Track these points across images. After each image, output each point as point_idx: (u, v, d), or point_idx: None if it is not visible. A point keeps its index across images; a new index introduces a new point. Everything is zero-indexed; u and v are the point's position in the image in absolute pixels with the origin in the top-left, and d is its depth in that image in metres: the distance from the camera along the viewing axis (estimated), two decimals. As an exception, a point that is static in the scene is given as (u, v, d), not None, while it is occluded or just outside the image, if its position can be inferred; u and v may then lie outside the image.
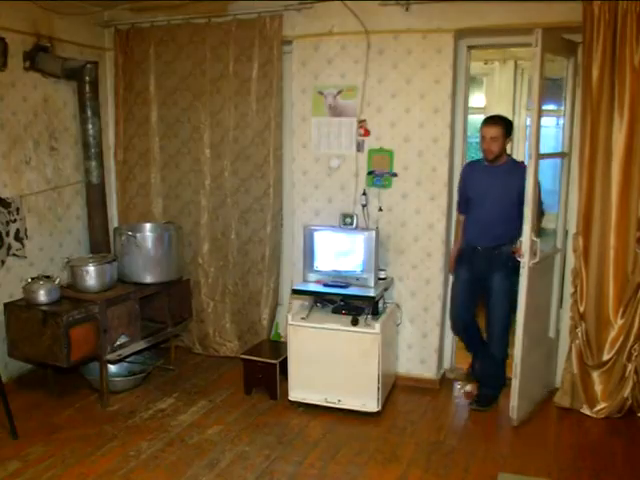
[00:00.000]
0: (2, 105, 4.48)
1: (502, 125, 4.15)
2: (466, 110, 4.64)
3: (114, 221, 5.47)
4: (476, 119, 5.26)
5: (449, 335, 4.89)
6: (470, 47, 4.52)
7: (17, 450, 3.79)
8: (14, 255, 4.60)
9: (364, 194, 4.63)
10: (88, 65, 4.77)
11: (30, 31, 4.64)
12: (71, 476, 3.50)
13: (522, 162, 4.18)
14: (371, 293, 4.25)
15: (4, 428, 3.96)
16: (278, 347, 4.80)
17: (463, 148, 4.66)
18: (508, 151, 4.38)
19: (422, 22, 4.34)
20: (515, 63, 6.45)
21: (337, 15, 4.53)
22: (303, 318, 4.33)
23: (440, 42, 4.34)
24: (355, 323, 4.18)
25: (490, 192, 4.22)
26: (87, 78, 4.79)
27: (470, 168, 4.44)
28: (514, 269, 4.02)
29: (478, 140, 4.32)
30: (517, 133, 5.70)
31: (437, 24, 4.31)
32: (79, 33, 5.09)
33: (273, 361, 4.51)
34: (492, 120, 4.21)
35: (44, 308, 4.23)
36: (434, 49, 4.36)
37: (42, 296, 4.28)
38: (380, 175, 4.58)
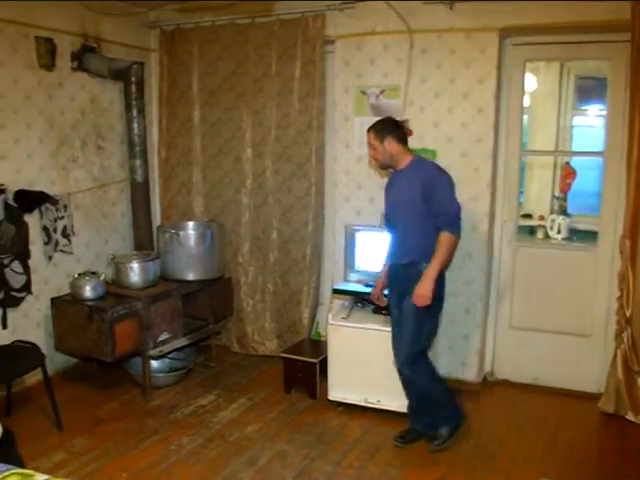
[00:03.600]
0: (51, 105, 4.59)
1: (371, 131, 3.70)
2: (521, 110, 4.62)
3: (157, 218, 5.54)
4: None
5: (490, 337, 4.83)
6: (515, 45, 4.46)
7: (62, 441, 3.88)
8: (61, 251, 4.70)
9: (406, 194, 4.60)
10: (134, 65, 4.85)
11: (78, 32, 4.74)
12: (114, 468, 3.56)
13: (430, 161, 3.83)
14: (412, 294, 4.21)
15: (50, 420, 4.06)
16: (318, 346, 4.81)
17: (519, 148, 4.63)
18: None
19: (466, 21, 4.30)
20: (561, 63, 6.35)
21: (380, 14, 4.52)
22: (344, 318, 4.33)
23: (484, 41, 4.30)
24: (393, 324, 4.15)
25: (396, 200, 3.78)
26: (133, 78, 4.86)
27: (389, 178, 3.97)
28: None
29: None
30: (563, 134, 5.60)
31: (481, 23, 4.27)
32: (125, 34, 5.17)
33: (313, 360, 4.52)
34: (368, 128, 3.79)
35: (90, 303, 4.32)
36: (478, 48, 4.32)
37: (88, 292, 4.38)
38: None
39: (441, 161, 4.46)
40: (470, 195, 4.46)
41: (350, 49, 4.67)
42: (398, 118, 4.51)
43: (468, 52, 4.34)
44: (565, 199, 5.09)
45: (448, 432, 3.83)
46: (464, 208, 4.41)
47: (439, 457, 3.73)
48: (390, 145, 3.65)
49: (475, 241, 4.51)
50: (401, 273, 3.75)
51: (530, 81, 4.99)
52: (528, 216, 5.34)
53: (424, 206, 3.58)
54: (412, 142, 4.54)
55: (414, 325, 3.68)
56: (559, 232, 4.77)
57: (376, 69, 4.62)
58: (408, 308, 3.66)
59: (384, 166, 3.84)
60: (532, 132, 5.66)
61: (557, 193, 5.30)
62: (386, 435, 3.99)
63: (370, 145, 3.73)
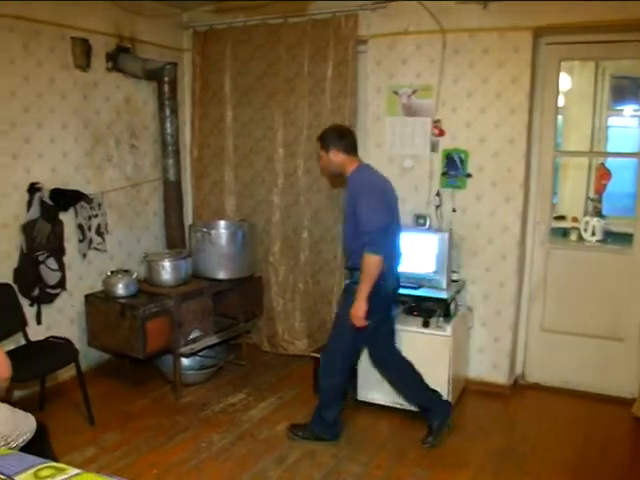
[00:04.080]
0: (86, 104, 4.65)
1: (318, 141, 3.73)
2: (555, 110, 4.57)
3: (189, 217, 5.59)
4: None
5: (522, 340, 4.78)
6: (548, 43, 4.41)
7: (94, 436, 3.93)
8: (95, 249, 4.76)
9: (438, 195, 4.58)
10: (168, 66, 4.90)
11: (113, 33, 4.80)
12: (145, 464, 3.59)
13: (365, 172, 3.69)
14: (443, 295, 4.20)
15: (82, 415, 4.12)
16: (347, 346, 4.80)
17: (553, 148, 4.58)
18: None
19: (499, 20, 4.26)
20: (596, 62, 6.25)
21: (412, 14, 4.49)
22: (373, 318, 4.32)
23: (518, 40, 4.25)
24: (426, 325, 4.15)
25: (343, 207, 3.79)
26: (167, 78, 4.91)
27: None
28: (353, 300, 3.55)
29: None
30: (598, 134, 5.52)
31: (515, 22, 4.22)
32: (159, 35, 5.23)
33: (342, 360, 4.51)
34: None
35: (122, 301, 4.37)
36: (512, 48, 4.27)
37: (120, 289, 4.44)
38: (454, 176, 4.53)
39: (473, 162, 4.46)
40: (503, 196, 4.42)
41: (382, 49, 4.66)
42: (429, 118, 4.52)
43: (501, 52, 4.29)
44: (600, 200, 5.01)
45: (313, 436, 3.88)
46: (496, 209, 4.43)
47: (468, 459, 3.71)
48: (335, 156, 3.65)
49: (507, 242, 4.46)
50: (346, 277, 3.76)
51: (564, 81, 4.92)
52: (561, 218, 5.26)
53: (356, 218, 3.54)
54: (444, 142, 4.54)
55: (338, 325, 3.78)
56: (593, 234, 4.70)
57: (408, 69, 4.60)
58: (340, 310, 3.81)
59: (334, 174, 3.87)
60: (566, 132, 5.58)
61: (591, 194, 5.22)
62: (414, 437, 3.97)
63: (319, 155, 3.80)
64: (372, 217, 3.45)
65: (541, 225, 4.64)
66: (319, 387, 3.95)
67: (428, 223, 4.50)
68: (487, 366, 4.68)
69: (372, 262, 3.45)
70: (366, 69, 4.77)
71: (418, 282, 4.33)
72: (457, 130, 4.51)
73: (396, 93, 4.65)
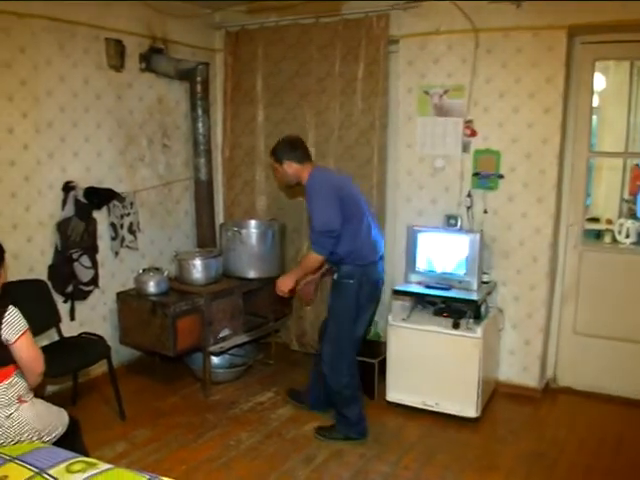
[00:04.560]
0: (120, 104, 4.72)
1: (271, 156, 3.90)
2: (590, 110, 4.51)
3: (220, 217, 5.63)
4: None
5: (553, 343, 4.73)
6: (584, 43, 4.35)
7: (125, 432, 3.99)
8: (127, 247, 4.82)
9: (469, 196, 4.55)
10: (200, 66, 4.93)
11: (146, 34, 4.85)
12: (174, 461, 3.63)
13: (317, 174, 3.80)
14: (474, 296, 4.16)
15: (113, 410, 4.18)
16: (377, 347, 4.80)
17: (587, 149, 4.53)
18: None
19: (533, 19, 4.21)
20: (631, 62, 6.13)
21: (444, 14, 4.47)
22: (404, 319, 4.31)
23: (552, 40, 4.19)
24: (456, 326, 4.12)
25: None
26: (199, 78, 4.95)
27: None
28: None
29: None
30: (633, 134, 5.42)
31: (549, 21, 4.16)
32: (191, 35, 5.27)
33: (372, 360, 4.51)
34: None
35: (153, 298, 4.42)
36: (545, 47, 4.22)
37: (152, 287, 4.49)
38: (486, 177, 4.49)
39: (505, 162, 4.41)
40: (535, 197, 4.37)
41: (414, 49, 4.64)
42: (461, 119, 4.49)
43: (535, 51, 4.25)
44: (634, 202, 4.93)
45: (341, 436, 3.91)
46: (528, 211, 4.38)
47: (498, 462, 3.68)
48: (289, 167, 3.80)
49: (539, 244, 4.41)
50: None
51: (599, 81, 4.84)
52: (595, 220, 5.18)
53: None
54: (476, 143, 4.51)
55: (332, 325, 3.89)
56: (628, 236, 4.62)
57: (440, 69, 4.57)
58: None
59: (291, 185, 4.00)
60: (600, 133, 5.49)
61: (626, 196, 5.14)
62: (444, 438, 3.96)
63: (273, 169, 4.01)
64: (321, 218, 3.62)
65: (574, 227, 4.58)
66: (331, 391, 3.95)
67: (459, 224, 4.47)
68: (517, 369, 4.63)
69: (312, 259, 3.76)
70: (397, 69, 4.76)
71: (448, 283, 4.30)
72: (489, 130, 4.47)
73: (427, 93, 4.63)
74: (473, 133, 4.51)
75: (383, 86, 4.76)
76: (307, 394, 4.34)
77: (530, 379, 4.60)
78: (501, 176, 4.45)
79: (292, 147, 3.82)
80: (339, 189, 3.72)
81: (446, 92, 4.57)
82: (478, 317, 4.18)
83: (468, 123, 4.51)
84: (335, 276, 3.89)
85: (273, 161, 3.90)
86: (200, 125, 5.07)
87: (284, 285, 3.88)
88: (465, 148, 4.55)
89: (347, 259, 3.76)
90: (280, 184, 4.21)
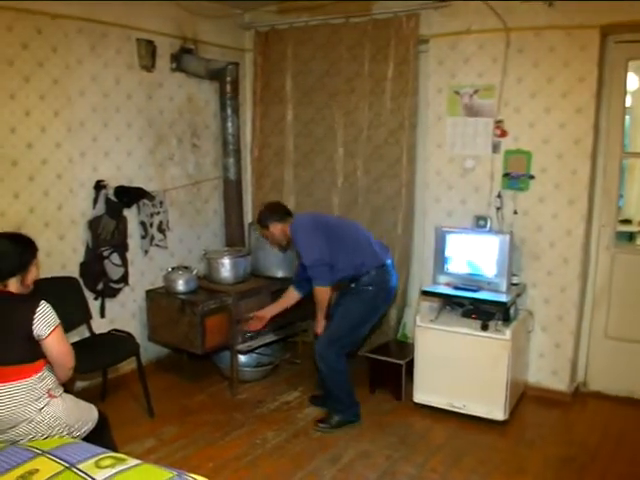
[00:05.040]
0: (151, 104, 4.76)
1: (257, 226, 4.32)
2: (623, 110, 4.42)
3: (248, 216, 5.65)
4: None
5: (584, 347, 4.66)
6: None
7: (153, 428, 4.03)
8: (157, 245, 4.86)
9: (499, 196, 4.50)
10: (230, 66, 4.96)
11: (177, 34, 4.89)
12: (201, 458, 3.65)
13: (297, 218, 4.17)
14: (503, 298, 4.12)
15: (142, 407, 4.22)
16: (404, 348, 4.79)
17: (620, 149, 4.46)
18: None
19: (566, 18, 4.15)
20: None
21: (475, 13, 4.43)
22: (432, 320, 4.29)
23: (585, 39, 4.13)
24: (485, 328, 4.09)
25: None
26: (228, 78, 4.97)
27: None
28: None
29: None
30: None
31: (582, 20, 4.10)
32: (221, 35, 5.30)
33: (399, 361, 4.49)
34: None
35: (182, 297, 4.46)
36: (578, 46, 4.16)
37: (181, 285, 4.52)
38: (516, 177, 4.44)
39: (536, 163, 4.37)
40: (566, 198, 4.32)
41: (444, 48, 4.61)
42: (491, 119, 4.44)
43: (567, 50, 4.19)
44: (669, 204, 4.85)
45: (337, 422, 4.08)
46: (559, 212, 4.33)
47: (527, 466, 3.63)
48: (275, 228, 4.14)
49: (571, 246, 4.35)
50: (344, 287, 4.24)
51: (632, 80, 4.76)
52: (627, 221, 5.11)
53: None
54: (506, 143, 4.47)
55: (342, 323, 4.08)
56: (661, 239, 4.55)
57: (470, 68, 4.53)
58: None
59: (284, 244, 4.30)
60: (633, 133, 5.40)
61: (660, 198, 5.06)
62: (472, 441, 3.93)
63: (263, 236, 4.34)
64: (308, 254, 3.96)
65: (606, 229, 4.51)
66: (324, 376, 4.13)
67: (489, 225, 4.43)
68: (547, 372, 4.58)
69: (319, 293, 4.01)
70: (427, 69, 4.73)
71: (477, 284, 4.27)
72: (520, 131, 4.42)
73: (457, 93, 4.59)
74: (503, 133, 4.46)
75: (413, 86, 4.74)
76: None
77: (560, 383, 4.54)
78: (532, 177, 4.40)
79: (272, 211, 4.19)
80: (320, 220, 4.12)
81: (476, 92, 4.53)
82: (507, 319, 4.14)
83: (498, 123, 4.46)
84: (353, 284, 4.10)
85: (260, 229, 4.28)
86: (229, 125, 5.09)
87: (320, 328, 4.14)
88: (495, 148, 4.50)
89: (361, 271, 4.01)
90: (273, 246, 4.50)
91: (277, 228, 4.13)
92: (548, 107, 4.30)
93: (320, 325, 4.12)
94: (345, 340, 4.07)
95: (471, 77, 4.54)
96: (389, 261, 4.14)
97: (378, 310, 4.16)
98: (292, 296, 4.38)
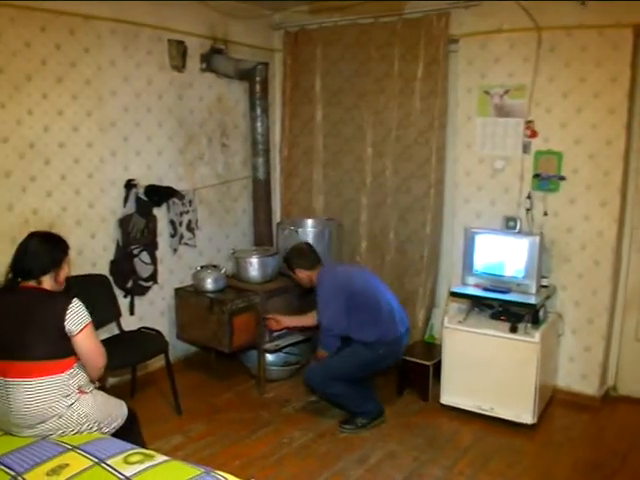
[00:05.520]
0: (181, 104, 4.80)
1: (285, 264, 4.37)
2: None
3: (277, 215, 5.67)
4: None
5: (615, 350, 4.59)
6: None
7: (180, 425, 4.07)
8: (185, 244, 4.91)
9: (529, 197, 4.46)
10: (259, 66, 4.97)
11: (207, 35, 4.93)
12: (227, 456, 3.67)
13: (323, 271, 4.20)
14: (532, 300, 4.08)
15: (170, 404, 4.26)
16: (432, 349, 4.77)
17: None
18: None
19: (598, 17, 4.09)
20: None
21: (506, 12, 4.38)
22: (460, 322, 4.26)
23: (617, 38, 4.06)
24: (514, 330, 4.05)
25: None
26: (258, 78, 4.98)
27: None
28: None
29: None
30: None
31: (615, 19, 4.04)
32: (251, 36, 5.33)
33: (427, 363, 4.47)
34: None
35: (211, 295, 4.49)
36: (610, 46, 4.09)
37: (209, 284, 4.55)
38: (547, 178, 4.39)
39: (567, 164, 4.31)
40: (598, 200, 4.25)
41: (474, 48, 4.58)
42: (522, 119, 4.40)
43: (600, 50, 4.13)
44: None
45: (362, 423, 4.05)
46: (591, 213, 4.27)
47: (555, 471, 3.60)
48: (300, 273, 4.24)
49: (602, 248, 4.29)
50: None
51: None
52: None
53: None
54: (537, 144, 4.42)
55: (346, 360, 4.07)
56: (695, 241, 4.46)
57: (501, 68, 4.49)
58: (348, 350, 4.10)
59: (307, 286, 4.32)
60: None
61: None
62: (499, 444, 3.89)
63: (288, 275, 4.44)
64: (326, 319, 4.03)
65: (638, 231, 4.43)
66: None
67: (518, 226, 4.39)
68: (576, 376, 4.52)
69: (320, 353, 4.15)
70: (457, 69, 4.70)
71: (506, 286, 4.23)
72: (551, 131, 4.37)
73: (487, 93, 4.56)
74: (534, 134, 4.41)
75: (442, 86, 4.71)
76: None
77: (589, 387, 4.48)
78: (562, 178, 4.35)
79: (300, 256, 4.26)
80: (345, 283, 4.08)
81: (507, 92, 4.49)
82: (536, 322, 4.10)
83: (529, 123, 4.42)
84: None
85: (287, 269, 4.37)
86: (259, 124, 5.11)
87: (320, 354, 4.19)
88: (525, 149, 4.46)
89: (377, 343, 4.01)
90: (302, 285, 4.47)
91: (303, 274, 4.23)
92: (580, 107, 4.25)
93: (321, 355, 4.17)
94: (341, 377, 4.03)
95: (501, 77, 4.49)
96: (404, 329, 4.16)
97: (385, 363, 4.18)
98: (311, 321, 4.37)
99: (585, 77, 4.20)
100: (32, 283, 2.73)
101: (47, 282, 2.76)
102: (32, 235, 2.85)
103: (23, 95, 3.77)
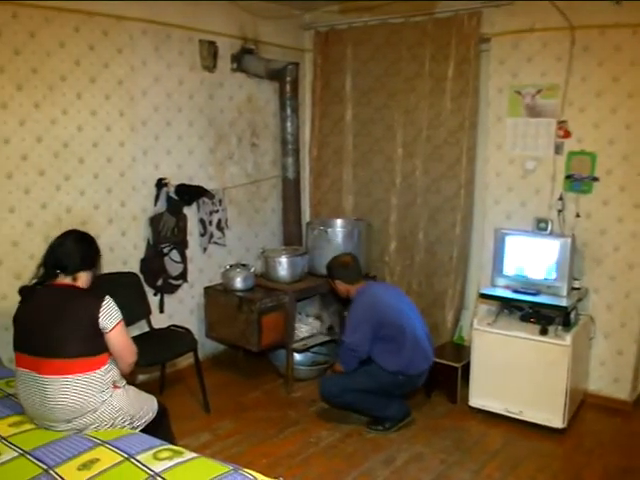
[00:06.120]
0: (212, 104, 4.83)
1: (327, 275, 4.33)
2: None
3: (306, 215, 5.68)
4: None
5: (649, 354, 4.52)
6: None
7: (208, 423, 4.10)
8: (215, 243, 4.94)
9: (560, 199, 4.40)
10: (289, 66, 4.98)
11: (238, 35, 4.96)
12: (255, 454, 3.69)
13: (362, 291, 4.13)
14: (563, 303, 4.03)
15: (198, 402, 4.29)
16: (460, 351, 4.74)
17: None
18: None
19: (633, 16, 4.01)
20: None
21: (539, 11, 4.34)
22: (489, 323, 4.22)
23: (653, 37, 4.01)
24: (544, 333, 4.00)
25: None
26: (288, 78, 4.99)
27: None
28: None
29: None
30: None
31: (650, 17, 3.99)
32: (281, 36, 5.35)
33: (455, 365, 4.44)
34: None
35: (240, 294, 4.51)
36: (646, 45, 4.04)
37: (238, 283, 4.57)
38: (579, 179, 4.34)
39: (601, 165, 4.26)
40: (632, 201, 4.18)
41: (506, 47, 4.53)
42: (554, 119, 4.35)
43: (634, 49, 4.05)
44: None
45: (390, 424, 4.05)
46: (624, 215, 4.21)
47: (584, 476, 3.55)
48: (340, 285, 4.22)
49: (636, 250, 4.22)
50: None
51: None
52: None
53: None
54: (570, 144, 4.36)
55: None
56: None
57: (533, 68, 4.44)
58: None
59: (345, 297, 4.30)
60: None
61: None
62: (528, 448, 3.85)
63: (328, 282, 4.41)
64: (351, 336, 3.98)
65: (674, 233, 4.36)
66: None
67: (549, 228, 4.33)
68: (608, 380, 4.45)
69: (337, 367, 4.17)
70: (488, 68, 4.66)
71: (537, 288, 4.19)
72: (584, 131, 4.31)
73: (519, 93, 4.51)
74: (567, 134, 4.36)
75: (473, 86, 4.67)
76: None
77: (621, 391, 4.41)
78: (596, 179, 4.29)
79: (342, 268, 4.23)
80: (376, 315, 3.98)
81: (539, 92, 4.44)
82: (567, 324, 4.05)
83: (561, 124, 4.36)
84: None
85: (327, 275, 4.35)
86: (289, 124, 5.12)
87: (337, 369, 4.22)
88: (558, 149, 4.40)
89: (397, 373, 3.97)
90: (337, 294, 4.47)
91: (342, 286, 4.21)
92: (614, 107, 4.18)
93: (338, 370, 4.19)
94: (357, 390, 4.00)
95: (534, 76, 4.45)
96: (427, 366, 4.09)
97: (401, 390, 4.10)
98: None
99: (619, 77, 4.13)
100: (67, 280, 2.77)
101: (82, 280, 2.80)
102: (69, 232, 2.90)
103: (57, 95, 3.83)
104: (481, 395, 4.26)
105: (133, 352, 2.86)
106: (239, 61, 4.97)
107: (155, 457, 2.36)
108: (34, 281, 2.81)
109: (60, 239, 2.84)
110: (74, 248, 2.81)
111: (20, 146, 3.69)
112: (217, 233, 4.92)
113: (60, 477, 2.24)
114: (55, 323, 2.65)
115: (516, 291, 4.23)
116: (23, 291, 2.82)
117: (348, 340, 4.00)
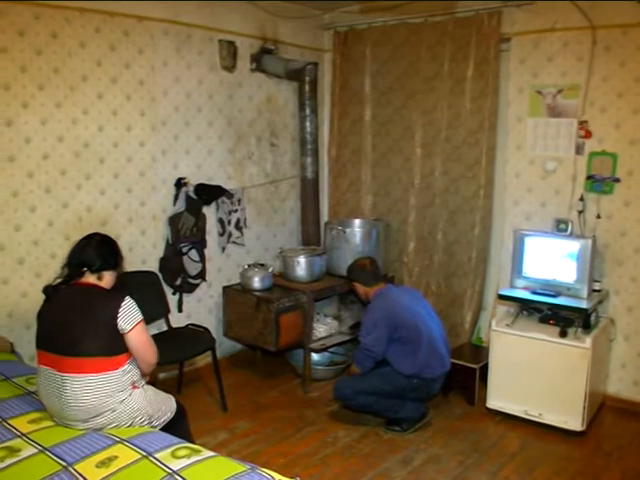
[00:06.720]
0: (231, 103, 4.85)
1: (347, 277, 4.38)
2: None
3: (324, 215, 5.68)
4: None
5: (670, 357, 4.47)
6: None
7: (226, 422, 4.11)
8: (234, 242, 4.96)
9: (581, 200, 4.37)
10: (309, 66, 4.99)
11: (257, 35, 4.97)
12: (272, 453, 3.70)
13: (380, 295, 4.13)
14: (583, 305, 4.00)
15: (216, 401, 4.32)
16: (479, 352, 4.71)
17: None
18: None
19: (656, 16, 3.99)
20: None
21: (560, 10, 4.31)
22: (508, 325, 4.20)
23: (676, 37, 3.97)
24: (563, 335, 3.97)
25: None
26: (307, 78, 5.00)
27: None
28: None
29: None
30: None
31: (674, 17, 3.94)
32: (300, 36, 5.36)
33: (473, 366, 4.42)
34: None
35: (258, 294, 4.53)
36: (668, 44, 4.00)
37: (256, 282, 4.59)
38: (600, 180, 4.30)
39: (622, 166, 4.22)
40: (654, 203, 4.15)
41: (526, 47, 4.51)
42: (575, 119, 4.31)
43: (657, 49, 4.03)
44: None
45: (407, 425, 4.04)
46: (646, 216, 4.16)
47: (604, 479, 3.51)
48: (358, 287, 4.24)
49: (657, 252, 4.19)
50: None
51: None
52: None
53: None
54: (591, 144, 4.33)
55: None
56: None
57: (554, 67, 4.41)
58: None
59: (363, 299, 4.31)
60: None
61: None
62: (546, 450, 3.83)
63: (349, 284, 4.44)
64: (367, 336, 3.98)
65: (697, 235, 4.31)
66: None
67: (570, 229, 4.30)
68: (628, 383, 4.41)
69: (353, 369, 4.18)
70: (508, 68, 4.63)
71: (556, 290, 4.16)
72: (605, 132, 4.27)
73: (540, 93, 4.48)
74: (588, 134, 4.32)
75: (493, 86, 4.65)
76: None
77: (642, 394, 4.38)
78: (617, 179, 4.25)
79: (362, 271, 4.23)
80: (393, 318, 3.96)
81: (560, 92, 4.41)
82: (587, 326, 4.01)
83: (583, 124, 4.33)
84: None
85: (347, 277, 4.39)
86: (308, 124, 5.13)
87: (353, 370, 4.23)
88: (579, 150, 4.37)
89: (412, 376, 3.95)
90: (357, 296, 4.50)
91: (361, 289, 4.22)
92: (636, 108, 4.14)
93: (354, 371, 4.19)
94: (371, 393, 3.98)
95: (554, 76, 4.42)
96: (442, 371, 4.05)
97: (415, 394, 4.04)
98: None
99: (641, 76, 4.10)
100: (92, 279, 2.80)
101: (106, 280, 2.83)
102: (93, 234, 2.93)
103: (79, 95, 3.87)
104: (499, 397, 4.24)
105: (154, 353, 2.87)
106: (258, 61, 4.99)
107: (173, 455, 2.38)
108: (58, 280, 2.84)
109: (85, 240, 2.88)
110: (99, 248, 2.84)
111: (41, 145, 3.74)
112: (236, 233, 4.93)
113: (79, 474, 2.26)
114: (75, 321, 2.67)
115: (535, 292, 4.21)
116: (47, 290, 2.85)
117: (364, 340, 4.00)
